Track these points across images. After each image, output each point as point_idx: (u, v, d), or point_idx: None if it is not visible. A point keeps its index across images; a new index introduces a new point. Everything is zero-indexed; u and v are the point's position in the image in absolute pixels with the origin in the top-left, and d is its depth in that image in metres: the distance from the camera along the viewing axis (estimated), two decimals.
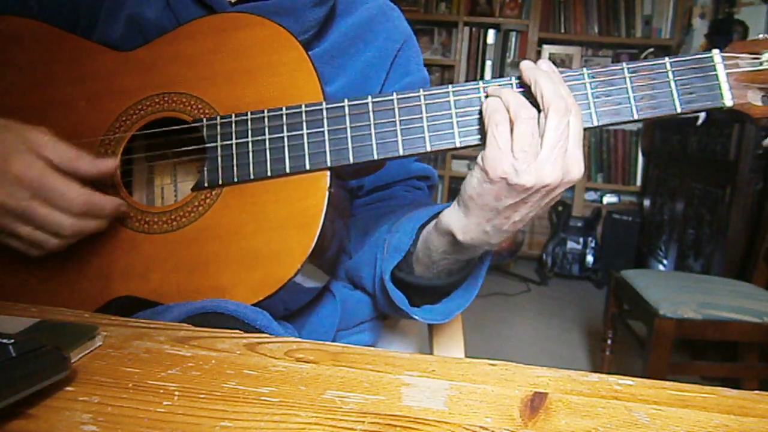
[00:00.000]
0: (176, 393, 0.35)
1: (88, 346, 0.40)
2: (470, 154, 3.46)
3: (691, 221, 2.49)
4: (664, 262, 2.75)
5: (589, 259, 3.30)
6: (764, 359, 1.84)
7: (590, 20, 3.39)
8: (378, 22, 0.72)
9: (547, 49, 3.47)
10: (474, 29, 3.50)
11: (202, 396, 0.35)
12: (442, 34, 3.57)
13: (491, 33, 3.50)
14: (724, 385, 0.39)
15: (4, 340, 0.33)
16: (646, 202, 3.16)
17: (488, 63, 3.50)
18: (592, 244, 3.30)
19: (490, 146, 0.49)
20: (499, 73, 3.48)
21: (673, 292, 1.69)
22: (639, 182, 3.38)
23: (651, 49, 3.33)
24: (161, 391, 0.35)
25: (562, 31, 3.43)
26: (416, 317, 0.62)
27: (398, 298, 0.61)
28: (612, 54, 3.44)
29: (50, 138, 0.52)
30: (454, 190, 3.56)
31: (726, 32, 2.73)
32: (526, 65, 0.52)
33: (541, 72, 0.51)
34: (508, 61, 3.48)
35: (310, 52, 0.59)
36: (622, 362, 2.13)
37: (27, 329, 0.41)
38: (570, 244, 3.31)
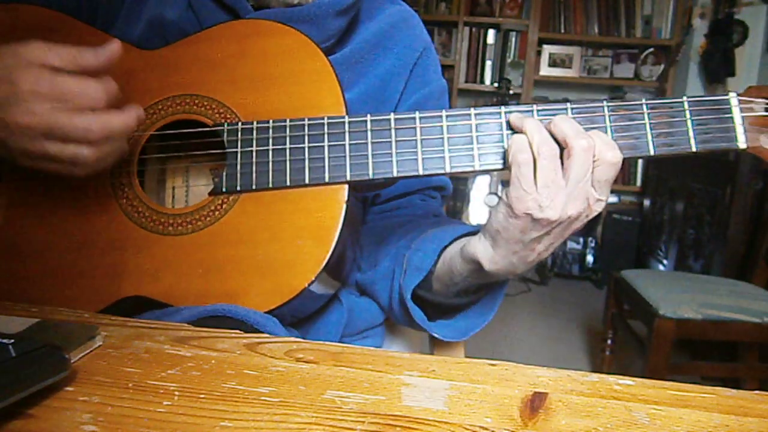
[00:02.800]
0: (176, 393, 0.35)
1: (88, 346, 0.40)
2: None
3: (691, 221, 2.49)
4: (664, 262, 2.75)
5: (589, 259, 3.30)
6: (764, 359, 1.84)
7: (590, 20, 3.39)
8: (398, 30, 0.72)
9: (547, 49, 3.46)
10: (474, 29, 3.50)
11: (202, 396, 0.35)
12: (442, 34, 3.57)
13: (491, 33, 3.49)
14: (724, 385, 0.39)
15: (4, 340, 0.33)
16: (646, 202, 3.16)
17: (488, 63, 3.50)
18: (592, 244, 3.30)
19: (514, 186, 0.50)
20: (499, 73, 3.47)
21: (673, 292, 1.69)
22: (639, 182, 3.38)
23: (651, 49, 3.33)
24: (161, 391, 0.35)
25: (562, 31, 3.42)
26: (435, 334, 0.63)
27: (418, 315, 0.62)
28: (612, 54, 3.44)
29: (44, 44, 0.49)
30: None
31: (726, 32, 2.73)
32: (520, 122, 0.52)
33: (557, 118, 0.51)
34: (508, 61, 3.48)
35: (330, 58, 0.59)
36: (622, 362, 2.13)
37: (27, 329, 0.41)
38: (570, 244, 3.30)
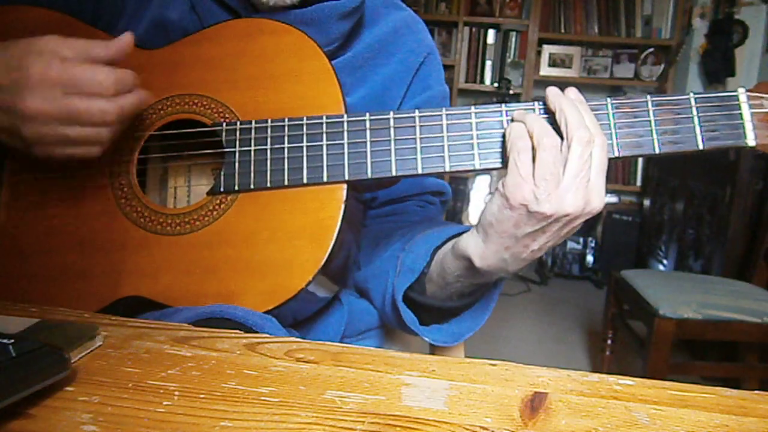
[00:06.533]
0: (176, 393, 0.35)
1: (88, 346, 0.40)
2: None
3: (691, 221, 2.49)
4: (664, 262, 2.75)
5: (589, 259, 3.30)
6: (764, 359, 1.84)
7: (590, 20, 3.39)
8: (402, 35, 0.72)
9: (547, 49, 3.46)
10: (474, 29, 3.49)
11: (202, 396, 0.35)
12: (442, 34, 3.56)
13: (491, 33, 3.49)
14: (724, 385, 0.39)
15: (4, 340, 0.33)
16: (646, 202, 3.16)
17: (488, 63, 3.50)
18: (592, 244, 3.30)
19: (511, 173, 0.49)
20: (499, 73, 3.47)
21: (673, 292, 1.69)
22: (639, 182, 3.38)
23: (651, 49, 3.33)
24: (161, 391, 0.35)
25: (562, 31, 3.42)
26: (426, 338, 0.62)
27: (409, 318, 0.61)
28: (612, 54, 3.44)
29: (58, 37, 0.50)
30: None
31: (726, 32, 2.73)
32: (551, 91, 0.52)
33: (566, 100, 0.50)
34: (508, 61, 3.47)
35: (333, 62, 0.58)
36: (622, 362, 2.13)
37: (27, 329, 0.41)
38: (570, 244, 3.31)
